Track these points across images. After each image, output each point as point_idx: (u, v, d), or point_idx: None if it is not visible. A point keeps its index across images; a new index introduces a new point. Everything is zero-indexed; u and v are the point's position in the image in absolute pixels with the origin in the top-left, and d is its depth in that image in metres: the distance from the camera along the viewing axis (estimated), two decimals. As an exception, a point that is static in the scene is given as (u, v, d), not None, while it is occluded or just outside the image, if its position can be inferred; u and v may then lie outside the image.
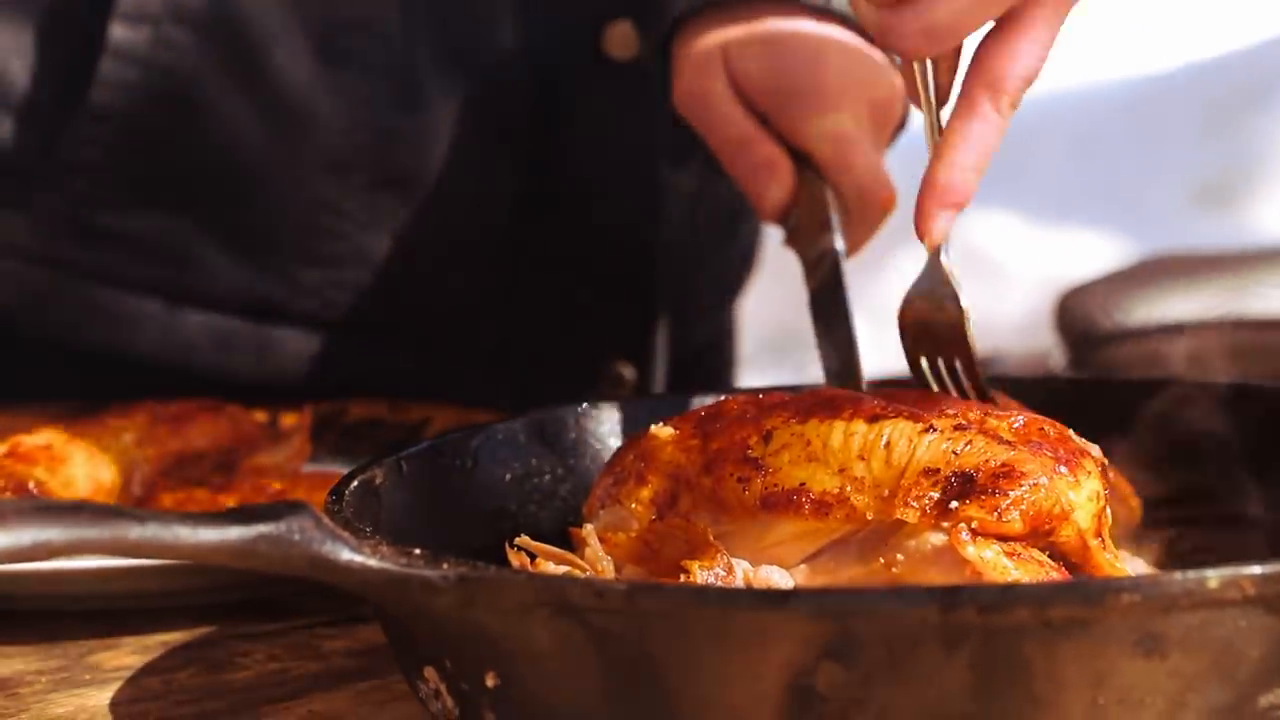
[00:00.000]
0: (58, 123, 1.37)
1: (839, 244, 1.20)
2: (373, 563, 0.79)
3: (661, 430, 0.97)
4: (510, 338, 1.50)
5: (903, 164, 1.31)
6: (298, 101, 1.37)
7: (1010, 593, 0.73)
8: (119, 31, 1.35)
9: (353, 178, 1.40)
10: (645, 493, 0.95)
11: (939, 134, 0.99)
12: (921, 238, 0.98)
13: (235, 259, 1.41)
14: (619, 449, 0.99)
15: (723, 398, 0.98)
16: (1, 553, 0.73)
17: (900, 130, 1.31)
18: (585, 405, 1.09)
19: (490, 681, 0.78)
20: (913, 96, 1.01)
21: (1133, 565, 0.97)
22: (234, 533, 0.78)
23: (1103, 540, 0.88)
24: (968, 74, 0.98)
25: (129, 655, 1.02)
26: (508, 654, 0.77)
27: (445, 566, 0.77)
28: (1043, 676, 0.72)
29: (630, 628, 0.74)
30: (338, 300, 1.42)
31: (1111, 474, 0.93)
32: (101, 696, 0.96)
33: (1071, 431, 0.91)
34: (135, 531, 0.76)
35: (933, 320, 1.00)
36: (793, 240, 1.24)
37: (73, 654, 1.02)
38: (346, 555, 0.79)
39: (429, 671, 0.82)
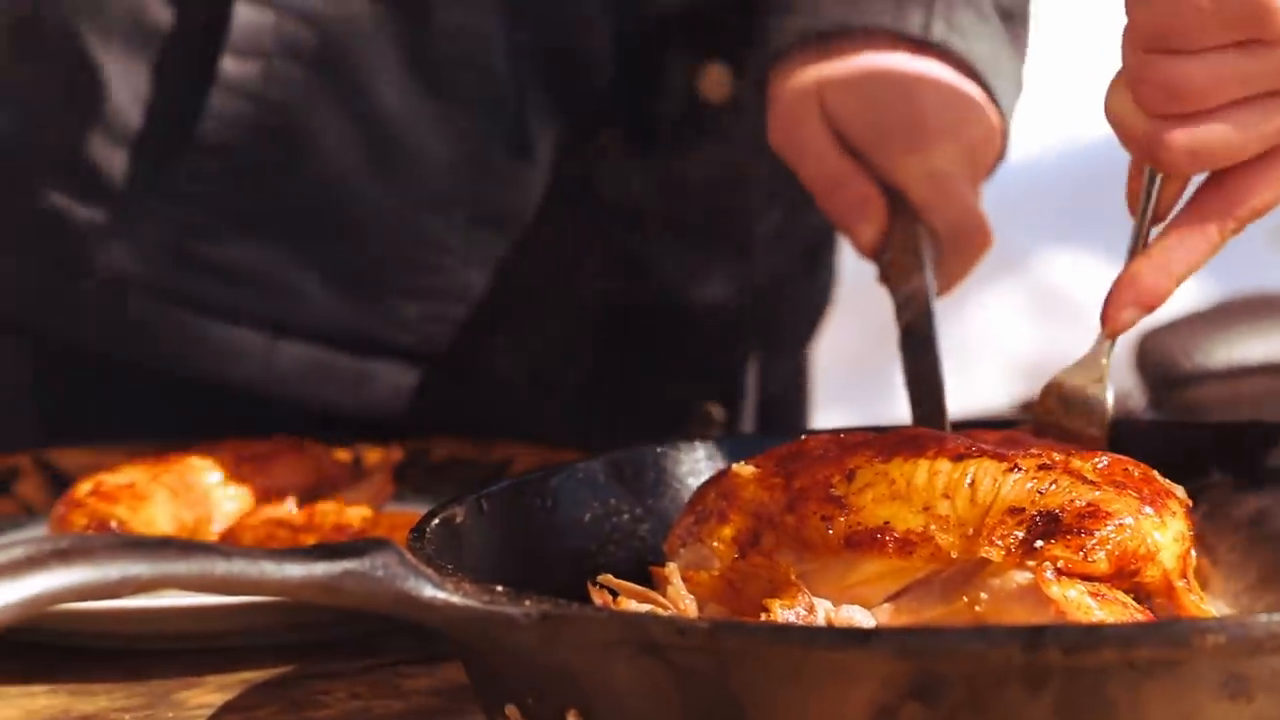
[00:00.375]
0: (166, 154, 1.38)
1: (931, 283, 1.19)
2: (456, 599, 0.79)
3: (743, 469, 0.96)
4: (601, 377, 1.49)
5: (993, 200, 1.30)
6: (402, 137, 1.38)
7: (1095, 633, 0.72)
8: (230, 65, 1.36)
9: (454, 214, 1.40)
10: (727, 531, 0.95)
11: (1145, 241, 0.99)
12: (1103, 323, 0.99)
13: (336, 291, 1.41)
14: (700, 487, 0.99)
15: (802, 437, 0.98)
16: (89, 588, 0.73)
17: (997, 165, 1.30)
18: (664, 446, 1.09)
19: (572, 719, 0.78)
20: (1131, 202, 1.01)
21: (1216, 607, 0.96)
22: (320, 569, 0.78)
23: (1188, 581, 0.88)
24: (1204, 188, 0.98)
25: (211, 693, 1.02)
26: (590, 692, 0.77)
27: (528, 604, 0.78)
28: (1127, 718, 0.72)
29: (712, 666, 0.74)
30: (435, 335, 1.43)
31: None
32: (185, 733, 0.97)
33: (1155, 472, 0.91)
34: (222, 567, 0.76)
35: (1072, 410, 1.01)
36: (885, 278, 1.23)
37: (156, 692, 1.03)
38: (430, 592, 0.79)
39: (511, 710, 0.82)
